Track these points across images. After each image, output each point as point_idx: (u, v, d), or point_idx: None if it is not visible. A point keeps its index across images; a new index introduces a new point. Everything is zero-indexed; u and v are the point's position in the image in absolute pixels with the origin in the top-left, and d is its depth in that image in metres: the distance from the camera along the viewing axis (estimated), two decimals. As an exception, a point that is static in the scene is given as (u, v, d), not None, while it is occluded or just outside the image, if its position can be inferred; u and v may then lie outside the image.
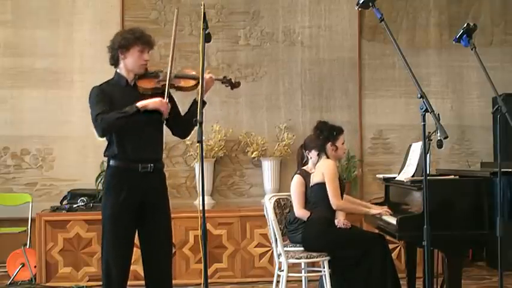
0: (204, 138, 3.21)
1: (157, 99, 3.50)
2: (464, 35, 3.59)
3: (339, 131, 4.59)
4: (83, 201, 5.88)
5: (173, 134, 3.79)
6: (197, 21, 6.37)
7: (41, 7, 6.49)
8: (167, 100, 3.52)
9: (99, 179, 6.07)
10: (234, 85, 3.82)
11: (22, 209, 6.08)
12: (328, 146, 4.52)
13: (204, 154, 3.81)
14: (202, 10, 3.29)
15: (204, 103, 3.43)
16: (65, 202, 6.04)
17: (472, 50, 3.56)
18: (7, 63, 6.44)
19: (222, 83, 3.81)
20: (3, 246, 5.97)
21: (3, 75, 6.44)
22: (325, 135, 4.52)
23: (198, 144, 3.19)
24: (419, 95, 3.06)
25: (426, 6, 6.86)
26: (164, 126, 3.69)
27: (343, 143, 4.60)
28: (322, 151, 4.55)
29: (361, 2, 3.30)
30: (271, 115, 6.62)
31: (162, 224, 3.61)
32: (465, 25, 3.61)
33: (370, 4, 3.27)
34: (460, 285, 3.77)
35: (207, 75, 3.58)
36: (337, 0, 6.73)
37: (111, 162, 3.58)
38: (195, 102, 3.62)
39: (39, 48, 6.46)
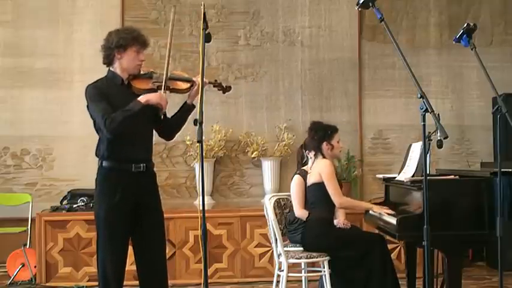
0: (204, 138, 3.21)
1: (157, 94, 3.48)
2: (464, 35, 3.59)
3: (334, 129, 4.59)
4: (83, 201, 5.89)
5: (159, 135, 3.74)
6: (197, 21, 6.38)
7: (41, 7, 6.49)
8: (165, 95, 3.50)
9: (99, 179, 6.07)
10: (225, 89, 3.85)
11: (22, 209, 6.08)
12: (324, 145, 4.53)
13: (204, 154, 3.81)
14: (202, 10, 3.30)
15: (193, 106, 3.59)
16: (65, 202, 6.05)
17: (472, 50, 3.55)
18: (7, 63, 6.44)
19: (214, 86, 3.81)
20: (3, 246, 5.96)
21: (3, 75, 6.44)
22: (320, 134, 4.53)
23: (198, 144, 3.19)
24: (419, 95, 3.06)
25: (426, 6, 6.86)
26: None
27: (338, 142, 4.60)
28: (318, 151, 4.55)
29: (361, 2, 3.30)
30: (271, 115, 6.62)
31: (157, 224, 3.59)
32: (465, 25, 3.60)
33: (370, 4, 3.28)
34: (460, 285, 3.76)
35: (196, 78, 3.59)
36: (337, 0, 6.73)
37: (104, 163, 3.51)
38: (185, 104, 3.65)
39: (39, 48, 6.46)
